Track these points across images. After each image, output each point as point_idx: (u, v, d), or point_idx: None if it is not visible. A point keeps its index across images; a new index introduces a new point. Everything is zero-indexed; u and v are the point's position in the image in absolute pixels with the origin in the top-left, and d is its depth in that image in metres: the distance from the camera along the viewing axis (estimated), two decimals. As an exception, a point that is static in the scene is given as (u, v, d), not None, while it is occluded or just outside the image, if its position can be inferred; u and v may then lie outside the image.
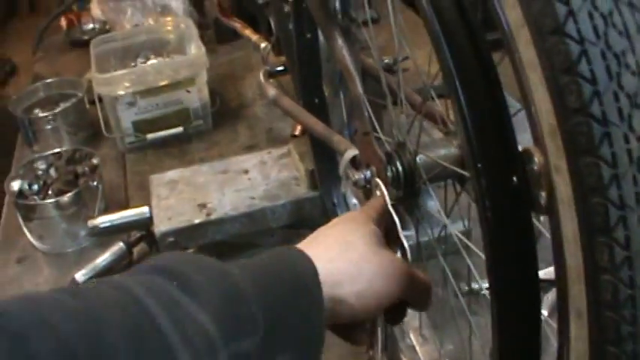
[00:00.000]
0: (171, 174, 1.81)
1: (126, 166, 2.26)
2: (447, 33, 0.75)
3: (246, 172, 1.79)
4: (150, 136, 2.29)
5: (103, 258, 1.92)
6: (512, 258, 0.75)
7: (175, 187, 1.76)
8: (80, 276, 1.88)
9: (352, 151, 1.22)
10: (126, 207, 1.90)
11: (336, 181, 1.63)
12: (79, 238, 2.01)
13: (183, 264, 0.74)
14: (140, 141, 2.29)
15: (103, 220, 1.73)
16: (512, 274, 0.75)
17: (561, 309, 0.71)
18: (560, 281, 0.70)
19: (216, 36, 2.82)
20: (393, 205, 1.04)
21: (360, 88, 1.13)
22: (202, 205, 1.69)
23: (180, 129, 2.31)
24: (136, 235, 1.96)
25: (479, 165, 0.71)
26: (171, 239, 1.64)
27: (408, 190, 1.10)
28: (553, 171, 0.66)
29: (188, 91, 2.26)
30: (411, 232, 1.15)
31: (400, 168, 1.08)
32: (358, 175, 1.14)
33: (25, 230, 2.03)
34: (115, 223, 1.73)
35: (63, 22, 3.20)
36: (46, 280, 1.94)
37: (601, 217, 0.62)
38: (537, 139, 0.67)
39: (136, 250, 1.97)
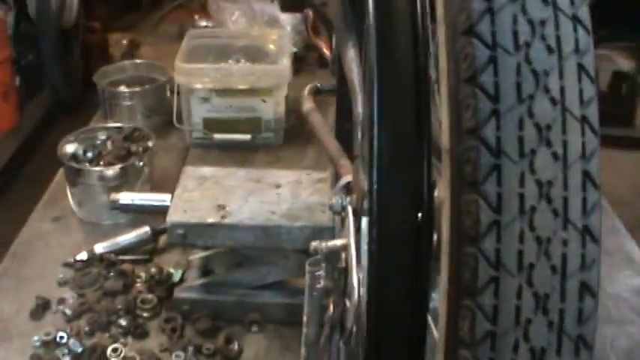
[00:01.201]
0: (206, 170, 1.72)
1: (186, 159, 2.20)
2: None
3: (278, 186, 1.67)
4: (217, 136, 2.22)
5: (126, 237, 1.85)
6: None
7: (203, 183, 1.67)
8: (99, 247, 1.82)
9: (348, 178, 1.08)
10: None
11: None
12: (116, 214, 1.95)
13: None
14: (207, 139, 2.23)
15: (124, 197, 1.65)
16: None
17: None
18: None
19: (319, 60, 2.74)
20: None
21: (359, 108, 1.00)
22: (221, 207, 1.59)
23: (248, 137, 2.23)
24: (164, 225, 1.88)
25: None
26: (180, 232, 1.54)
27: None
28: (443, 205, 0.51)
29: (264, 101, 2.18)
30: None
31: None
32: (335, 200, 1.00)
33: (69, 193, 1.99)
34: (135, 202, 1.65)
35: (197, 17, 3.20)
36: (72, 243, 1.89)
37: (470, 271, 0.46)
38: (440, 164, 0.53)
39: (162, 239, 1.89)
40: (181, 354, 1.57)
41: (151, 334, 1.64)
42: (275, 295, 1.67)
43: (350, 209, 0.95)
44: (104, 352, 1.56)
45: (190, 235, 1.56)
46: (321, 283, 1.01)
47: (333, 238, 1.54)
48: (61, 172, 2.13)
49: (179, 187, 1.66)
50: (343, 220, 1.01)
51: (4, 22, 3.55)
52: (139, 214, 1.75)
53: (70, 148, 1.99)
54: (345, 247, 0.96)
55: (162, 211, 1.63)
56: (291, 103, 2.31)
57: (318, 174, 1.72)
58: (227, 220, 1.56)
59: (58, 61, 3.44)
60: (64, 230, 1.96)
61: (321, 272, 1.01)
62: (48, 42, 4.07)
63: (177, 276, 1.74)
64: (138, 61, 2.42)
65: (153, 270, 1.77)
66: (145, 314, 1.67)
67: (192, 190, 1.65)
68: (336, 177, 1.17)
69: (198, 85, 2.14)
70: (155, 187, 2.01)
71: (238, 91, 2.17)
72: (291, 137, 2.30)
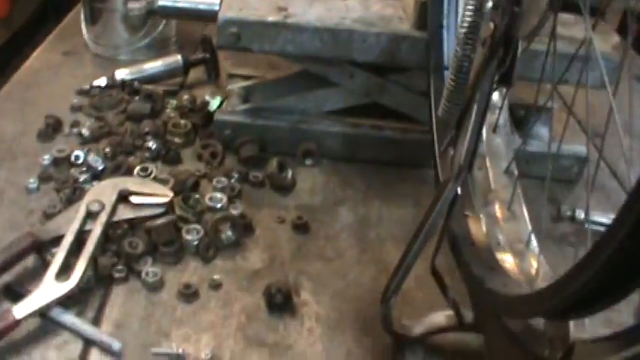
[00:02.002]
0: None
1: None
2: None
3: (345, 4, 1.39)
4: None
5: (153, 65, 1.55)
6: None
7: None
8: (121, 73, 1.52)
9: None
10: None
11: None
12: (137, 48, 1.65)
13: None
14: None
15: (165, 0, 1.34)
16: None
17: None
18: None
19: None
20: None
21: None
22: (283, 9, 1.30)
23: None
24: (198, 55, 1.59)
25: None
26: (233, 30, 1.24)
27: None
28: None
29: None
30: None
31: None
32: None
33: (83, 29, 1.68)
34: (178, 4, 1.34)
35: None
36: (85, 74, 1.57)
37: None
38: None
39: (192, 73, 1.60)
40: (224, 179, 1.28)
41: (185, 161, 1.34)
42: (334, 124, 1.39)
43: None
44: (130, 170, 1.26)
45: (245, 36, 1.26)
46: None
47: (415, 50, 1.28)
48: (73, 12, 1.82)
49: (228, -4, 1.36)
50: None
51: None
52: (177, 18, 1.45)
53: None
54: None
55: (211, 16, 1.33)
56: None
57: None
58: (291, 20, 1.27)
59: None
60: (76, 62, 1.64)
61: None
62: None
63: (214, 104, 1.44)
64: None
65: (185, 97, 1.47)
66: (177, 139, 1.37)
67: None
68: None
69: None
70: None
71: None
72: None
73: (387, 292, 0.97)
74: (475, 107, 0.77)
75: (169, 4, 1.34)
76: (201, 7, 1.34)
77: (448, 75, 0.82)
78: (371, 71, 1.33)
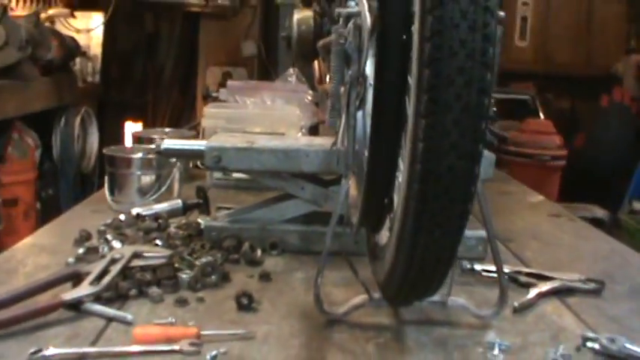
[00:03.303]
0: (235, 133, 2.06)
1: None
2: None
3: (296, 139, 2.00)
4: (236, 174, 2.53)
5: (161, 206, 2.11)
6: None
7: (234, 137, 2.00)
8: (136, 210, 2.08)
9: None
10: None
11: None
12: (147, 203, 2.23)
13: None
14: (226, 179, 2.56)
15: (166, 142, 1.95)
16: None
17: None
18: None
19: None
20: None
21: None
22: (250, 142, 1.89)
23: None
24: (194, 201, 2.17)
25: None
26: (216, 154, 1.83)
27: None
28: None
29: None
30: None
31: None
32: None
33: (107, 195, 2.28)
34: (176, 146, 1.95)
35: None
36: (108, 218, 2.13)
37: None
38: None
39: (190, 216, 2.16)
40: (210, 258, 1.78)
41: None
42: (292, 225, 1.92)
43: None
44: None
45: (224, 158, 1.85)
46: (345, 39, 1.33)
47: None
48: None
49: (214, 137, 1.99)
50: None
51: (34, 150, 4.02)
52: (176, 157, 2.05)
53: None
54: (359, 14, 1.31)
55: (200, 154, 1.92)
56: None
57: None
58: (255, 145, 1.87)
59: (73, 201, 3.86)
60: (101, 215, 2.20)
61: (344, 30, 1.34)
62: (67, 183, 4.50)
63: (204, 223, 1.98)
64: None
65: (183, 221, 2.02)
66: (177, 242, 1.89)
67: (225, 137, 1.97)
68: None
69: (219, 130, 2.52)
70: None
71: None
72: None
73: (317, 276, 1.46)
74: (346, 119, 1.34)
75: (170, 146, 1.94)
76: (194, 147, 1.94)
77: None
78: (316, 183, 1.90)
